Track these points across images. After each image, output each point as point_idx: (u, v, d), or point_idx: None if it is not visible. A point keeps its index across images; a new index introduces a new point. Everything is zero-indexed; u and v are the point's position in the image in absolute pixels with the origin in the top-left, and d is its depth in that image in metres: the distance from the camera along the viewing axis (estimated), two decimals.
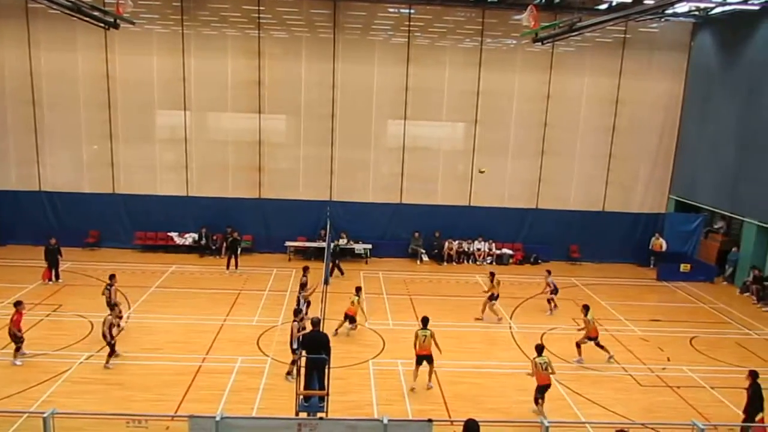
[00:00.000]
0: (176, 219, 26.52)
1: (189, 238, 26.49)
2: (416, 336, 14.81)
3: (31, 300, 19.68)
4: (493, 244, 27.39)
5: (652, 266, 26.84)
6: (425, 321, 15.12)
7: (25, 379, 14.27)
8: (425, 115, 27.20)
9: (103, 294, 17.95)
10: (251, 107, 26.32)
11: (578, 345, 16.82)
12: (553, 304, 20.77)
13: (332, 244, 24.84)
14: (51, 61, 25.65)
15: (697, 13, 25.34)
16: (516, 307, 21.20)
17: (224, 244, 25.35)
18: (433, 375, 15.00)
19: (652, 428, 13.13)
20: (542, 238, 27.62)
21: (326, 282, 21.88)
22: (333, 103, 26.42)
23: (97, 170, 26.54)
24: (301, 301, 17.28)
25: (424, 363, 14.71)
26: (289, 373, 14.80)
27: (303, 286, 18.17)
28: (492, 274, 20.36)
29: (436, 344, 14.75)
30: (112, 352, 15.15)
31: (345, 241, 26.47)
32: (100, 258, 25.16)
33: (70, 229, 25.99)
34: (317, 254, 25.95)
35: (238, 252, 24.67)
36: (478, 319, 19.83)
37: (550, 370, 13.81)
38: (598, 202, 27.79)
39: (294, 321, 14.91)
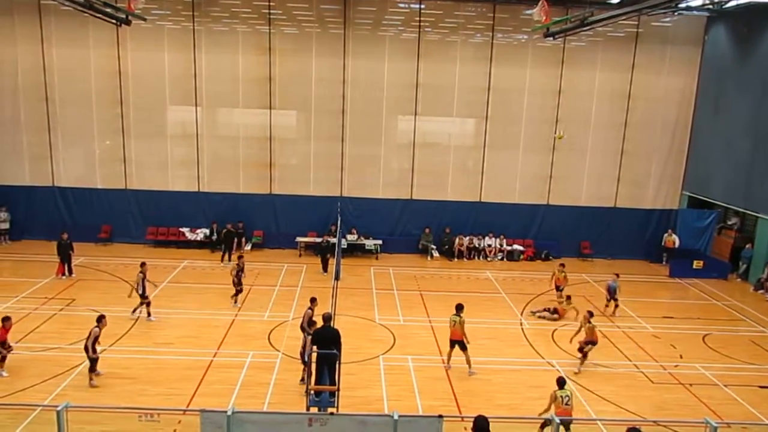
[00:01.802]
0: (187, 214, 26.65)
1: (200, 234, 26.60)
2: (449, 321, 15.53)
3: (44, 294, 19.93)
4: (504, 240, 27.32)
5: (664, 263, 26.67)
6: (458, 307, 15.53)
7: (39, 373, 14.41)
8: (435, 111, 27.13)
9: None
10: (262, 103, 26.37)
11: (582, 353, 16.03)
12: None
13: (322, 239, 24.88)
14: (63, 58, 25.82)
15: (710, 6, 25.06)
16: (527, 303, 21.13)
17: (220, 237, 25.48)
18: (470, 363, 15.44)
19: (664, 426, 13.04)
20: (553, 234, 27.53)
21: (337, 278, 22.02)
22: (343, 98, 26.42)
23: (109, 166, 26.71)
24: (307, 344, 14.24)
25: (456, 348, 15.37)
26: (302, 379, 14.15)
27: (311, 323, 15.12)
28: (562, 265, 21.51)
29: (463, 332, 15.30)
30: (94, 368, 14.14)
31: (355, 236, 26.50)
32: (112, 253, 25.34)
33: (83, 225, 26.20)
34: (329, 249, 26.02)
35: (233, 245, 24.82)
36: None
37: (571, 405, 12.19)
38: (610, 198, 27.62)
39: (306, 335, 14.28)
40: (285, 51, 26.10)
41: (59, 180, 26.71)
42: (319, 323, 13.03)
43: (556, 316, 19.70)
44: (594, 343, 16.00)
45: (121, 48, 25.66)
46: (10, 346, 14.65)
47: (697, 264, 25.23)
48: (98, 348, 14.55)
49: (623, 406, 14.06)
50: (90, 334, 14.18)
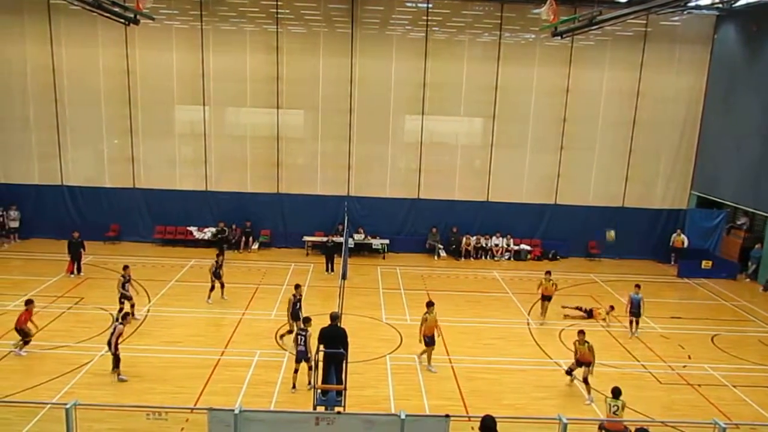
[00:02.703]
0: (195, 213, 26.74)
1: (208, 233, 26.68)
2: (421, 318, 15.70)
3: (53, 293, 20.04)
4: (511, 240, 27.25)
5: (672, 263, 26.55)
6: (429, 304, 15.70)
7: (48, 371, 14.49)
8: (443, 110, 27.11)
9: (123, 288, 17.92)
10: (269, 102, 26.42)
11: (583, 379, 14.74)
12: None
13: (327, 239, 24.88)
14: (72, 57, 25.95)
15: (720, 5, 24.91)
16: (534, 303, 21.06)
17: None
18: (431, 359, 15.33)
19: (672, 426, 13.01)
20: (561, 233, 27.44)
21: (344, 277, 22.01)
22: (351, 98, 26.43)
23: (117, 165, 26.83)
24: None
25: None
26: (309, 382, 14.07)
27: (294, 310, 16.19)
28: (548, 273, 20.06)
29: (436, 328, 15.56)
30: (117, 365, 14.39)
31: (362, 236, 26.51)
32: (120, 252, 25.43)
33: (91, 223, 26.33)
34: (332, 250, 26.03)
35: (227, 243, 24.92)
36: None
37: (620, 415, 11.93)
38: (618, 198, 27.51)
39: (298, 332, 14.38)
40: (292, 50, 26.13)
41: (68, 179, 26.85)
42: (309, 312, 13.11)
43: (584, 315, 19.80)
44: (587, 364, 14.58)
45: (129, 47, 25.78)
46: (29, 331, 15.44)
47: (705, 264, 25.11)
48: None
49: (631, 407, 13.93)
50: (114, 330, 14.33)
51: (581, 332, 14.79)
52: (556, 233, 27.50)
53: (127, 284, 17.88)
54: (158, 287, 20.85)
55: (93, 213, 26.81)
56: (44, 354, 15.50)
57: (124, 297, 17.73)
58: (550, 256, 27.17)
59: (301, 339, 14.06)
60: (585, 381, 14.41)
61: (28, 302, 15.90)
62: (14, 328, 15.49)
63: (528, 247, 27.32)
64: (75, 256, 22.08)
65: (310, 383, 13.88)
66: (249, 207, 26.84)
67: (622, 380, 15.40)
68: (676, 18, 26.15)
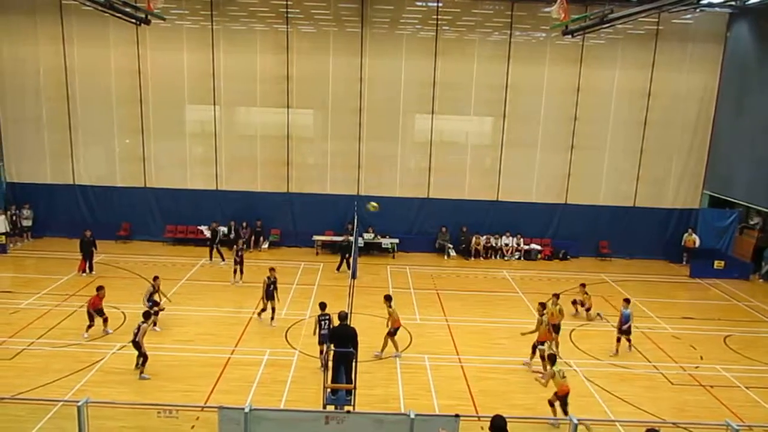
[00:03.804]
0: (206, 213, 26.81)
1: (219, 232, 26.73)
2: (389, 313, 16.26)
3: (65, 291, 20.20)
4: (521, 240, 27.18)
5: (684, 263, 26.38)
6: (387, 297, 16.44)
7: (61, 369, 14.61)
8: (453, 110, 27.06)
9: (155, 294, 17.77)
10: (279, 102, 26.48)
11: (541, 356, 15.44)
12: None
13: (343, 238, 24.92)
14: (84, 57, 26.14)
15: (733, 3, 24.68)
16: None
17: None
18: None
19: (683, 427, 12.93)
20: (571, 233, 27.32)
21: (354, 276, 22.04)
22: (360, 97, 26.44)
23: (128, 164, 26.99)
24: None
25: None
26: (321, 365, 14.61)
27: (150, 297, 17.45)
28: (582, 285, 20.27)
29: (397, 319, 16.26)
30: (144, 363, 14.59)
31: (372, 235, 26.52)
32: (131, 251, 25.60)
33: (103, 222, 26.52)
34: (344, 249, 26.07)
35: (217, 243, 24.73)
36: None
37: (566, 377, 13.04)
38: (629, 198, 27.36)
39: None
40: (302, 50, 26.18)
41: (80, 178, 27.05)
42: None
43: (585, 306, 19.75)
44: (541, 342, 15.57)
45: (140, 47, 25.92)
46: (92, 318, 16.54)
47: (718, 264, 24.92)
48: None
49: (642, 407, 13.94)
50: (139, 330, 14.41)
51: (556, 295, 16.83)
52: (567, 233, 27.39)
53: (154, 295, 17.62)
54: (169, 286, 20.90)
55: (104, 212, 27.01)
56: (56, 352, 15.62)
57: (151, 305, 17.37)
58: (561, 255, 27.08)
59: (324, 323, 14.92)
60: (542, 357, 15.10)
61: (99, 288, 16.93)
62: (87, 311, 16.58)
63: (538, 247, 27.23)
64: (87, 254, 22.24)
65: (321, 366, 14.33)
66: (259, 206, 26.93)
67: (632, 381, 15.39)
68: (689, 16, 25.96)
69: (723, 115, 26.41)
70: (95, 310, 16.60)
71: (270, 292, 17.93)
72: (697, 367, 16.34)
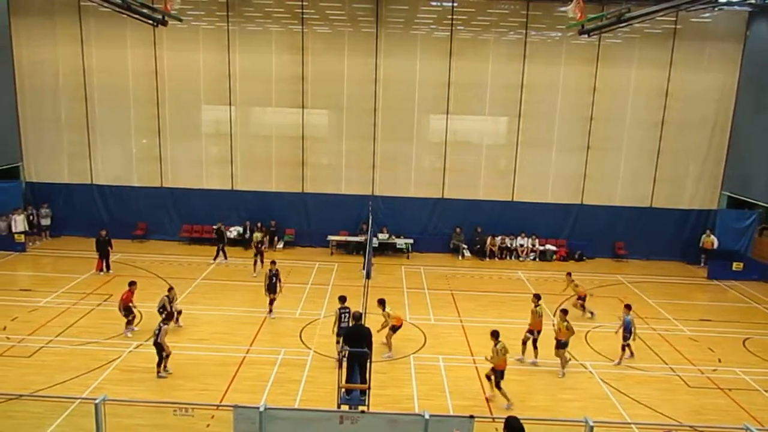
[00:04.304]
0: (221, 212, 26.94)
1: (234, 232, 26.91)
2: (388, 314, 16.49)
3: (83, 290, 20.41)
4: (537, 240, 27.04)
5: (702, 264, 26.12)
6: (381, 302, 16.60)
7: (78, 367, 14.77)
8: (468, 110, 26.99)
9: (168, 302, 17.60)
10: (294, 102, 26.57)
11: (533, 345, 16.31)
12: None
13: (365, 238, 24.95)
14: (102, 58, 26.41)
15: (753, 1, 24.40)
16: (560, 304, 20.85)
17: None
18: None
19: (701, 431, 12.79)
20: (587, 234, 27.13)
21: (368, 276, 22.06)
22: (375, 97, 26.45)
23: (145, 164, 27.24)
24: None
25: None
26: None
27: (162, 310, 16.84)
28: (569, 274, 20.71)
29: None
30: (168, 356, 14.70)
31: (386, 235, 26.52)
32: (147, 250, 25.81)
33: (120, 222, 26.78)
34: (359, 248, 26.13)
35: (225, 242, 24.87)
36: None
37: (504, 354, 14.00)
38: (646, 198, 27.12)
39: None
40: (317, 50, 26.24)
41: (97, 178, 27.33)
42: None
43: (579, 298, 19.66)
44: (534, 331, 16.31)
45: (157, 48, 26.14)
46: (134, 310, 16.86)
47: (736, 266, 24.63)
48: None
49: (659, 410, 13.82)
50: (160, 331, 14.46)
51: (537, 296, 16.72)
52: (582, 234, 27.21)
53: (169, 304, 17.36)
54: (185, 285, 21.09)
55: (121, 211, 27.26)
56: (74, 350, 15.80)
57: (164, 314, 17.04)
58: (576, 256, 26.91)
59: (344, 316, 15.37)
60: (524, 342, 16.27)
61: (132, 283, 17.17)
62: (119, 308, 16.82)
63: (553, 248, 27.09)
64: (103, 254, 22.45)
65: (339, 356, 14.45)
66: (274, 206, 27.04)
67: (649, 383, 15.26)
68: (707, 15, 25.68)
69: (742, 114, 26.09)
70: (125, 307, 16.79)
71: (273, 284, 18.52)
72: (715, 370, 16.16)
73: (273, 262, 19.10)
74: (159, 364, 14.58)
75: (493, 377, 13.97)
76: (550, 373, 15.66)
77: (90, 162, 27.19)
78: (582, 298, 19.77)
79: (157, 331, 14.55)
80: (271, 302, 18.72)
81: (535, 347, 16.26)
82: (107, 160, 27.33)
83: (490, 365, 14.04)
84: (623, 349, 16.32)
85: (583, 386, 15.08)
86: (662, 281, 24.44)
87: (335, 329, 15.67)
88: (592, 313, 19.71)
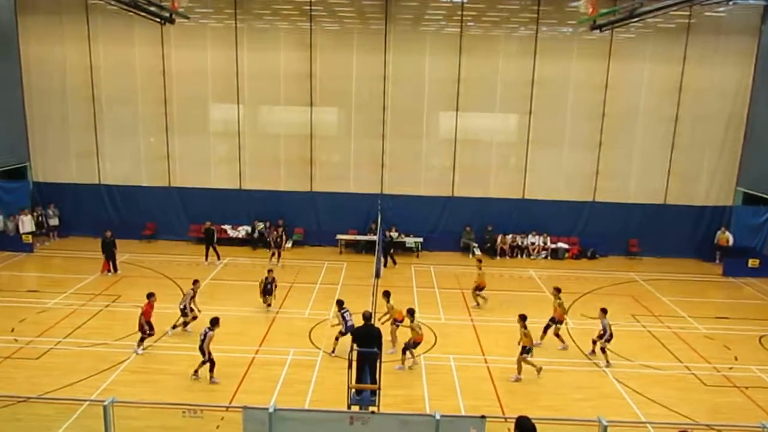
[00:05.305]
0: (230, 212, 27.05)
1: (242, 231, 26.96)
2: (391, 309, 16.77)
3: (91, 291, 20.50)
4: (548, 238, 26.91)
5: (717, 261, 25.90)
6: (386, 294, 16.97)
7: (87, 368, 14.82)
8: (478, 107, 26.88)
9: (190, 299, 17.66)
10: (303, 100, 26.56)
11: (555, 334, 17.01)
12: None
13: (386, 235, 24.98)
14: (110, 57, 26.52)
15: None
16: (573, 302, 20.75)
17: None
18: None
19: (717, 430, 12.68)
20: (600, 231, 26.95)
21: (377, 275, 22.03)
22: (384, 95, 26.39)
23: (153, 163, 27.33)
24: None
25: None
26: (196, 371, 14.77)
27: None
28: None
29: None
30: (213, 366, 14.49)
31: (396, 234, 26.46)
32: (156, 250, 25.90)
33: (128, 222, 26.89)
34: (368, 247, 26.10)
35: (214, 242, 24.65)
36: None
37: (419, 330, 15.44)
38: (660, 195, 26.92)
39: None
40: (326, 47, 26.22)
41: (105, 178, 27.44)
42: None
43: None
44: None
45: (165, 46, 26.21)
46: (152, 327, 15.99)
47: (752, 263, 24.43)
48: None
49: (674, 409, 13.70)
50: (205, 337, 14.36)
51: (557, 289, 17.40)
52: (595, 231, 27.04)
53: (192, 300, 17.57)
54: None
55: (130, 211, 27.37)
56: (83, 351, 15.85)
57: (183, 311, 17.38)
58: (589, 254, 26.76)
59: (348, 315, 15.96)
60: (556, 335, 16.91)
61: (150, 295, 16.23)
62: (139, 323, 15.88)
63: (566, 246, 26.95)
64: (109, 255, 22.46)
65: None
66: (282, 205, 27.05)
67: (664, 382, 15.14)
68: (722, 9, 25.39)
69: (758, 109, 25.81)
70: (146, 322, 15.85)
71: (268, 289, 19.13)
72: (731, 368, 16.02)
73: (270, 270, 19.61)
74: (211, 369, 14.43)
75: (410, 350, 15.39)
76: (561, 373, 15.57)
77: (98, 161, 27.31)
78: (559, 321, 17.23)
79: (202, 337, 14.46)
80: (268, 303, 19.36)
81: (601, 348, 16.17)
82: (115, 160, 27.44)
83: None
84: (603, 351, 16.06)
85: (596, 386, 14.98)
86: (677, 279, 24.26)
87: (342, 329, 15.97)
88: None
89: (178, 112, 26.88)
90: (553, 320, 16.97)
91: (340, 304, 16.28)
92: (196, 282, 18.00)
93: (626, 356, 16.46)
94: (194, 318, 17.48)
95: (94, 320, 17.98)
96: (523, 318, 15.28)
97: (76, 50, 26.40)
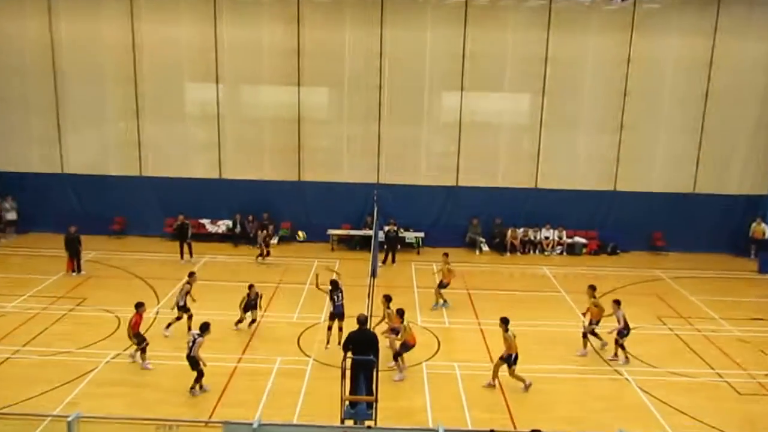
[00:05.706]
0: (208, 204, 26.99)
1: (222, 226, 26.93)
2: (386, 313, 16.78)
3: (53, 293, 20.45)
4: (564, 232, 26.98)
5: (752, 256, 26.03)
6: (387, 297, 16.94)
7: (49, 379, 14.74)
8: (485, 86, 26.87)
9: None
10: (289, 79, 26.47)
11: (591, 332, 17.10)
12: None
13: (388, 229, 24.97)
14: (73, 33, 26.34)
15: None
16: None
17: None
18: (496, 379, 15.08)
19: None
20: (621, 224, 27.03)
21: (373, 274, 21.97)
22: (380, 73, 26.34)
23: (123, 151, 27.21)
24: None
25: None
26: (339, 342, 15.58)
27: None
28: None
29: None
30: (201, 377, 14.46)
31: (395, 228, 26.43)
32: (126, 247, 25.84)
33: (95, 216, 26.75)
34: (363, 244, 26.06)
35: (189, 238, 24.36)
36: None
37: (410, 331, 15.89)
38: (688, 183, 26.97)
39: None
40: (315, 21, 26.10)
41: (68, 166, 27.34)
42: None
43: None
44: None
45: (135, 20, 26.05)
46: (143, 339, 15.65)
47: None
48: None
49: (704, 420, 13.73)
50: (194, 343, 14.26)
51: (592, 287, 17.45)
52: (616, 224, 27.12)
53: (189, 295, 17.50)
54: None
55: (96, 204, 27.22)
56: (44, 360, 15.78)
57: (181, 308, 17.35)
58: (609, 249, 26.86)
59: (338, 297, 16.51)
60: (593, 333, 17.05)
61: (139, 305, 15.77)
62: (128, 336, 15.61)
63: (583, 240, 27.00)
64: (73, 253, 22.36)
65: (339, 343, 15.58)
66: (267, 196, 27.00)
67: (693, 390, 15.19)
68: None
69: None
70: (135, 334, 15.54)
71: (250, 305, 18.03)
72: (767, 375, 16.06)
73: (251, 286, 18.12)
74: (196, 380, 14.33)
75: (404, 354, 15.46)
76: (578, 381, 15.62)
77: (60, 148, 27.19)
78: (596, 323, 17.33)
79: (190, 344, 14.34)
80: (253, 321, 18.22)
81: (618, 344, 16.51)
82: (80, 147, 27.32)
83: None
84: (622, 347, 16.48)
85: (618, 395, 15.01)
86: (707, 276, 24.32)
87: (332, 308, 16.64)
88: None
89: (150, 93, 26.75)
90: (590, 323, 17.04)
91: (334, 284, 16.68)
92: (192, 275, 17.94)
93: (651, 362, 16.47)
94: (178, 319, 17.45)
95: (58, 325, 17.91)
96: (505, 321, 15.06)
97: (36, 26, 26.19)
